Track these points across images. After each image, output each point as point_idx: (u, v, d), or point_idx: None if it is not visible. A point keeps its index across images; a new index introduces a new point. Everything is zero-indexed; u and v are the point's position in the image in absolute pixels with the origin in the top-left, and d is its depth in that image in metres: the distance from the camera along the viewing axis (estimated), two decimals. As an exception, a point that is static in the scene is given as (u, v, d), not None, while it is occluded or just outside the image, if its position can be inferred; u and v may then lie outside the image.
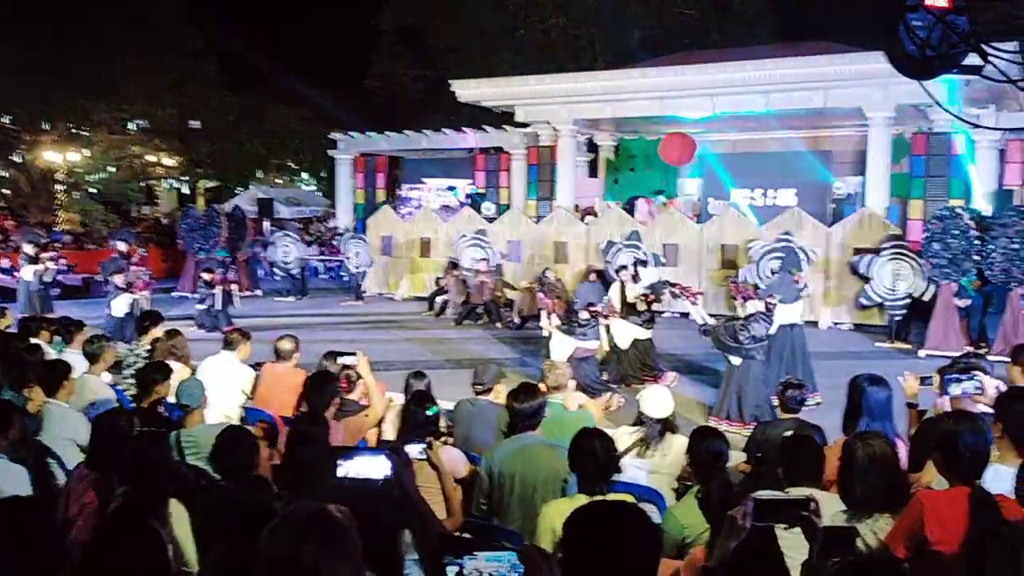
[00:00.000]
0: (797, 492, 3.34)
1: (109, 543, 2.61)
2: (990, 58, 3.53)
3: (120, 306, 13.22)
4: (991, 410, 3.97)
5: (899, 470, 3.44)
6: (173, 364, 6.86)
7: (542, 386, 5.31)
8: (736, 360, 8.57)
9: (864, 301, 14.29)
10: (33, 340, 7.25)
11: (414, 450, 3.91)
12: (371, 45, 37.28)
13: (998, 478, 3.46)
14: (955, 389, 4.33)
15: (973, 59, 3.73)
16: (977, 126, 15.01)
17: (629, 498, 3.59)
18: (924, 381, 4.69)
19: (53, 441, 4.88)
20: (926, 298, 13.23)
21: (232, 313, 15.24)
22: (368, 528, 2.31)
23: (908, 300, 13.59)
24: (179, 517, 3.56)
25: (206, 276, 14.83)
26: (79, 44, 29.39)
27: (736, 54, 19.05)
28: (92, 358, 6.36)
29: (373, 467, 2.82)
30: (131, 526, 2.73)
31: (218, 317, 14.50)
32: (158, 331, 7.61)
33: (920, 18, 3.58)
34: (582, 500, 3.50)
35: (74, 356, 6.70)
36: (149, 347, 7.44)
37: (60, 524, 3.68)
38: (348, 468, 2.83)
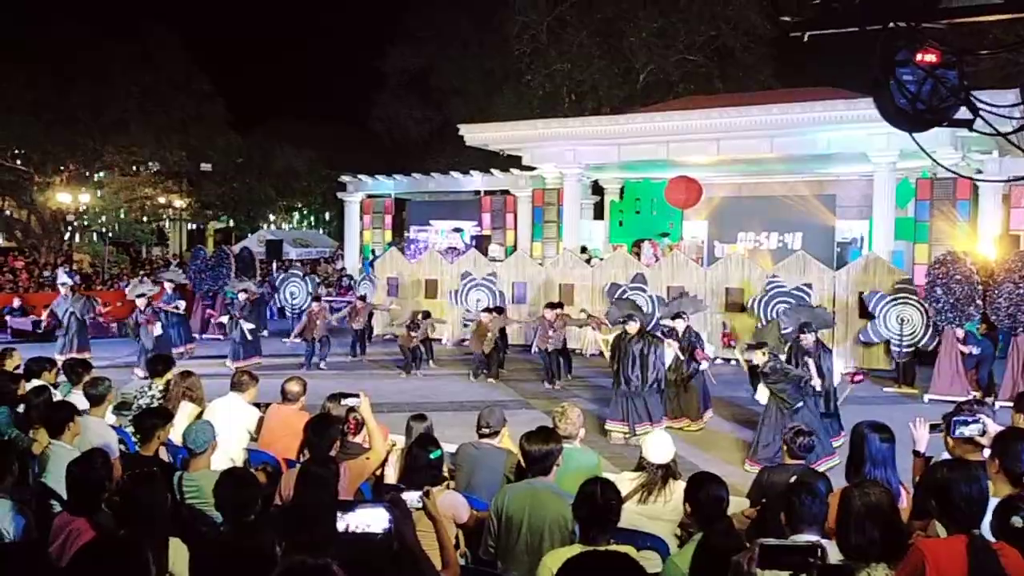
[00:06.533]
0: (802, 539, 3.30)
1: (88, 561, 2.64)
2: (980, 111, 3.60)
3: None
4: (992, 455, 3.99)
5: (897, 519, 3.42)
6: (188, 404, 6.90)
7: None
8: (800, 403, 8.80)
9: (863, 338, 14.23)
10: (38, 381, 7.28)
11: (411, 498, 3.85)
12: (376, 87, 37.69)
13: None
14: (960, 431, 4.39)
15: (965, 112, 3.81)
16: (978, 174, 15.06)
17: (630, 548, 3.56)
18: (935, 429, 4.69)
19: (56, 483, 4.89)
20: (929, 348, 13.22)
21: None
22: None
23: (911, 346, 13.55)
24: (179, 555, 3.56)
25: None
26: (85, 85, 29.86)
27: (740, 99, 19.25)
28: (95, 400, 6.38)
29: (373, 520, 2.83)
30: (110, 547, 2.77)
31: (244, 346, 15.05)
32: (171, 374, 7.61)
33: (910, 72, 3.66)
34: (578, 550, 3.41)
35: (81, 397, 6.71)
36: (163, 389, 7.44)
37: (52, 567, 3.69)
38: (348, 521, 2.83)
